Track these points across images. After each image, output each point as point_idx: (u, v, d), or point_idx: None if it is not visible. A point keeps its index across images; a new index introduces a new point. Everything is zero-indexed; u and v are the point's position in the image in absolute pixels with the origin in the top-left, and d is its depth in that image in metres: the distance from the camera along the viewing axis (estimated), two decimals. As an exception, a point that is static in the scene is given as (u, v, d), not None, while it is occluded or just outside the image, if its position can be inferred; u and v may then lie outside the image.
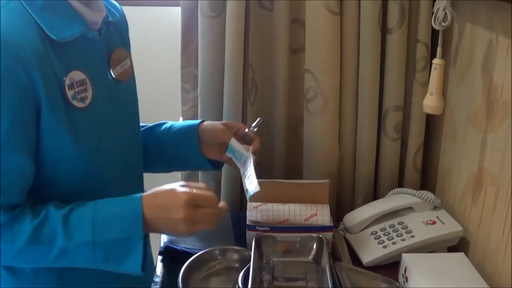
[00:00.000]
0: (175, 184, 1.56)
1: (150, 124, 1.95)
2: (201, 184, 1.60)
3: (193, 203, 1.52)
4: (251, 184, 1.73)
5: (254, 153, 1.82)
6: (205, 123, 1.90)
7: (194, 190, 1.55)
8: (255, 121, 1.89)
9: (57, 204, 1.50)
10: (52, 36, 1.43)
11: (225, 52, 2.11)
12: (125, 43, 1.78)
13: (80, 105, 1.49)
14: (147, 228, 1.51)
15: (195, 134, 1.88)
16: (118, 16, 1.72)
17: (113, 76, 1.64)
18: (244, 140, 1.86)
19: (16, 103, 1.38)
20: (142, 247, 1.50)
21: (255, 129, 1.87)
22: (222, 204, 1.59)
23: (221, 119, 2.18)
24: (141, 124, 1.89)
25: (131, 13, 3.39)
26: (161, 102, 3.61)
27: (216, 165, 1.96)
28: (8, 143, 1.39)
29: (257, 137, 1.87)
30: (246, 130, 1.86)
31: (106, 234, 1.48)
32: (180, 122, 1.95)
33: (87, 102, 1.52)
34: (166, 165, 1.96)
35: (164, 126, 1.94)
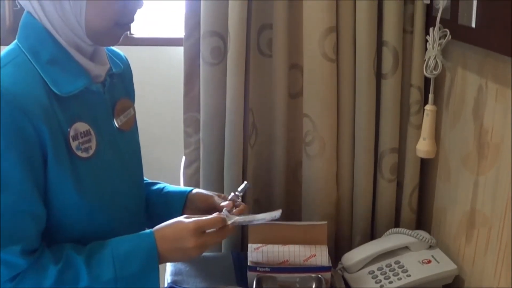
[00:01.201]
0: (180, 217, 1.63)
1: (148, 181, 1.99)
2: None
3: (200, 230, 1.60)
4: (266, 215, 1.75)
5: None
6: (196, 189, 1.94)
7: (200, 218, 1.62)
8: (241, 184, 1.89)
9: (74, 246, 1.54)
10: (57, 91, 1.49)
11: (226, 97, 2.16)
12: (129, 93, 1.83)
13: (84, 155, 1.55)
14: (161, 259, 1.58)
15: (183, 197, 1.91)
16: (122, 66, 1.76)
17: (117, 125, 1.69)
18: (235, 205, 1.82)
19: (24, 153, 1.43)
20: (158, 277, 1.57)
21: (241, 194, 1.85)
22: (230, 226, 1.66)
23: (222, 162, 2.23)
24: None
25: (136, 53, 3.45)
26: (164, 137, 3.66)
27: None
28: (23, 191, 1.44)
29: (242, 204, 1.84)
30: (232, 194, 1.84)
31: (126, 270, 1.53)
32: (171, 187, 1.98)
33: (91, 152, 1.57)
34: (148, 221, 1.95)
35: (158, 186, 1.98)
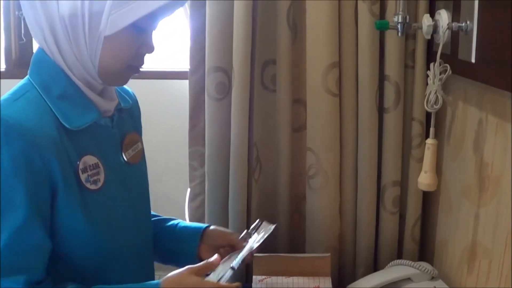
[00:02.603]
0: (191, 272, 1.64)
1: (162, 217, 2.01)
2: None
3: None
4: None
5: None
6: (214, 226, 1.96)
7: (213, 282, 1.64)
8: (254, 222, 1.92)
9: (77, 285, 1.56)
10: (67, 125, 1.52)
11: (231, 132, 2.19)
12: (137, 128, 1.86)
13: (93, 187, 1.58)
14: None
15: (198, 233, 1.93)
16: (130, 102, 1.81)
17: (125, 159, 1.72)
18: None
19: (32, 186, 1.46)
20: None
21: (254, 232, 1.88)
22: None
23: (227, 196, 2.25)
24: (153, 212, 1.95)
25: (141, 86, 3.48)
26: (169, 176, 3.67)
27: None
28: (30, 222, 1.47)
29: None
30: (244, 232, 1.87)
31: None
32: (190, 223, 2.01)
33: (100, 184, 1.60)
34: (160, 257, 1.98)
35: (172, 222, 2.00)
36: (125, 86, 1.85)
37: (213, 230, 1.94)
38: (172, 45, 3.80)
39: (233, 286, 1.65)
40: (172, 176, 3.42)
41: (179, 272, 1.62)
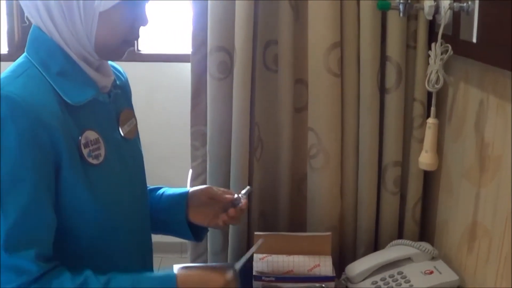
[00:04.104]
0: (209, 270, 1.74)
1: (150, 187, 2.01)
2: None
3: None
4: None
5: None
6: (192, 188, 1.98)
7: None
8: (245, 188, 1.93)
9: (93, 272, 1.56)
10: (68, 100, 1.54)
11: (232, 111, 2.20)
12: (130, 105, 1.88)
13: (95, 162, 1.59)
14: None
15: (184, 199, 1.94)
16: (123, 79, 1.84)
17: (122, 134, 1.73)
18: (233, 205, 1.88)
19: (39, 162, 1.47)
20: None
21: (244, 196, 1.88)
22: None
23: (228, 175, 2.26)
24: None
25: (143, 69, 3.49)
26: (170, 153, 3.68)
27: (198, 237, 2.02)
28: (38, 198, 1.48)
29: (245, 200, 1.90)
30: (236, 195, 1.88)
31: None
32: (173, 188, 2.02)
33: (101, 159, 1.62)
34: (153, 227, 1.98)
35: (157, 192, 2.01)
36: (115, 65, 1.86)
37: (194, 191, 1.95)
38: (174, 28, 3.82)
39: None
40: (174, 158, 3.43)
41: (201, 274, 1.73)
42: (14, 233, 1.47)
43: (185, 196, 1.95)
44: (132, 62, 3.06)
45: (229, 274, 1.72)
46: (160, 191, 2.01)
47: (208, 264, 1.70)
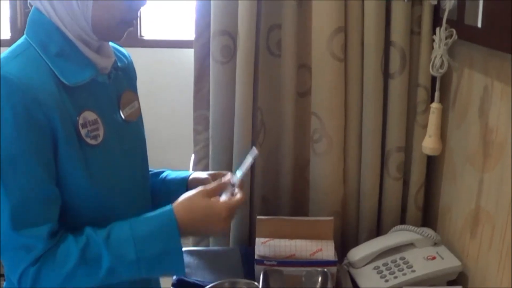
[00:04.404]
0: (202, 196, 1.66)
1: (153, 170, 2.01)
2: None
3: (232, 214, 1.65)
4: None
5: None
6: (193, 174, 1.96)
7: (230, 202, 1.66)
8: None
9: (93, 228, 1.57)
10: (65, 81, 1.53)
11: (235, 96, 2.19)
12: (133, 87, 1.86)
13: (93, 142, 1.58)
14: (183, 236, 1.60)
15: (184, 185, 1.93)
16: (126, 62, 1.82)
17: (123, 117, 1.73)
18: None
19: (37, 141, 1.47)
20: (181, 253, 1.59)
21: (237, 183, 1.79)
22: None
23: (231, 159, 2.26)
24: None
25: (146, 55, 3.48)
26: (173, 139, 3.67)
27: None
28: (39, 176, 1.48)
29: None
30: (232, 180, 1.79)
31: (147, 250, 1.56)
32: (174, 173, 2.00)
33: (99, 140, 1.60)
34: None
35: (160, 176, 2.00)
36: (121, 48, 1.86)
37: (193, 179, 1.93)
38: (177, 14, 3.80)
39: (240, 200, 1.68)
40: (177, 143, 3.42)
41: (192, 195, 1.66)
42: (20, 212, 1.47)
43: (185, 181, 1.94)
44: (135, 47, 3.05)
45: (226, 197, 1.70)
46: (163, 175, 2.01)
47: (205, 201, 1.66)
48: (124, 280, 1.59)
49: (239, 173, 1.76)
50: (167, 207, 1.64)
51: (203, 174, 1.94)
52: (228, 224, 1.67)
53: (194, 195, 1.66)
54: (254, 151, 1.80)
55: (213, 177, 1.90)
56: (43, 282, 1.51)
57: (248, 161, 1.78)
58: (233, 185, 1.73)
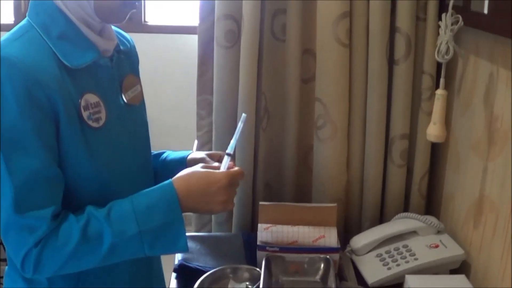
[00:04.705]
0: (200, 167, 1.67)
1: (154, 152, 2.01)
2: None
3: (232, 182, 1.64)
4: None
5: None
6: (190, 154, 1.96)
7: (230, 171, 1.66)
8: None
9: (94, 206, 1.57)
10: (67, 64, 1.53)
11: (239, 81, 2.18)
12: (135, 71, 1.86)
13: (95, 125, 1.58)
14: (184, 210, 1.60)
15: (183, 163, 1.93)
16: (129, 46, 1.82)
17: (125, 100, 1.72)
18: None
19: (39, 123, 1.47)
20: (183, 225, 1.59)
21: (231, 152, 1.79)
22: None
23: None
24: None
25: (150, 40, 3.48)
26: (177, 125, 3.67)
27: None
28: (42, 158, 1.48)
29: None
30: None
31: (149, 223, 1.55)
32: (174, 153, 2.01)
33: (101, 122, 1.61)
34: None
35: (161, 157, 2.01)
36: (123, 32, 1.86)
37: (191, 160, 1.93)
38: (182, 1, 3.80)
39: (237, 171, 1.68)
40: (180, 129, 3.42)
41: (190, 168, 1.67)
42: (24, 194, 1.47)
43: (184, 160, 1.94)
44: (139, 33, 3.04)
45: (225, 162, 1.72)
46: (163, 156, 2.01)
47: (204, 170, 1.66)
48: (126, 257, 1.59)
49: (233, 142, 1.76)
50: (167, 181, 1.64)
51: (200, 154, 1.94)
52: (229, 195, 1.65)
53: (192, 168, 1.67)
54: (244, 117, 1.80)
55: (210, 157, 1.91)
56: (46, 263, 1.52)
57: (239, 127, 1.78)
58: (228, 154, 1.73)
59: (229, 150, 1.74)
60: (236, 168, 1.69)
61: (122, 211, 1.57)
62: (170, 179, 1.63)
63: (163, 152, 2.02)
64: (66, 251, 1.51)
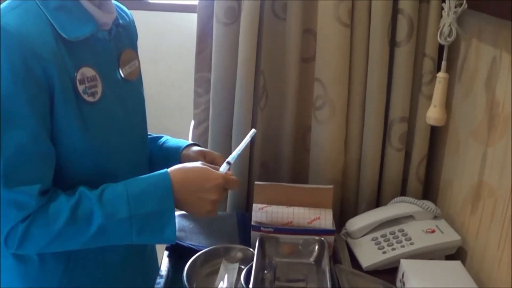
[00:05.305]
0: (200, 163, 1.68)
1: (153, 135, 2.01)
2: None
3: (225, 186, 1.65)
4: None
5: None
6: (184, 151, 1.94)
7: (227, 174, 1.69)
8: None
9: (87, 187, 1.56)
10: (64, 36, 1.51)
11: (238, 59, 2.15)
12: (134, 46, 1.85)
13: (90, 99, 1.57)
14: (177, 201, 1.60)
15: (177, 156, 1.93)
16: (128, 20, 1.81)
17: (122, 75, 1.71)
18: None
19: (34, 95, 1.45)
20: (174, 218, 1.59)
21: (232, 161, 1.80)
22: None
23: (231, 123, 2.23)
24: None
25: (149, 18, 3.45)
26: (175, 104, 3.65)
27: None
28: (35, 130, 1.47)
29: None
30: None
31: (141, 208, 1.55)
32: (172, 140, 2.01)
33: (97, 97, 1.59)
34: None
35: (159, 141, 2.01)
36: (123, 6, 1.84)
37: (184, 153, 1.93)
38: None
39: (234, 179, 1.70)
40: (178, 108, 3.40)
41: (189, 163, 1.69)
42: (13, 167, 1.46)
43: (180, 150, 1.94)
44: (140, 10, 3.01)
45: (223, 168, 1.73)
46: (162, 140, 2.00)
47: (200, 165, 1.66)
48: (113, 242, 1.58)
49: (235, 153, 1.78)
50: (163, 170, 1.63)
51: (195, 151, 1.93)
52: (220, 197, 1.66)
53: (192, 163, 1.68)
54: (253, 132, 1.83)
55: (203, 155, 1.91)
56: (31, 240, 1.51)
57: (246, 141, 1.81)
58: (228, 163, 1.75)
59: (230, 159, 1.76)
60: (235, 178, 1.70)
61: (115, 193, 1.56)
62: (166, 169, 1.63)
63: (161, 137, 2.01)
64: (53, 230, 1.50)
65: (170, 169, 1.64)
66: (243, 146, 1.80)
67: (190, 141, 2.00)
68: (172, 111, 3.62)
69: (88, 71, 1.57)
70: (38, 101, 1.46)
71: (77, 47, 1.55)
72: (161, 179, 1.61)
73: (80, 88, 1.54)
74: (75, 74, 1.53)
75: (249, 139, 1.81)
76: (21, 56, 1.42)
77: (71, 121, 1.53)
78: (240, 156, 1.83)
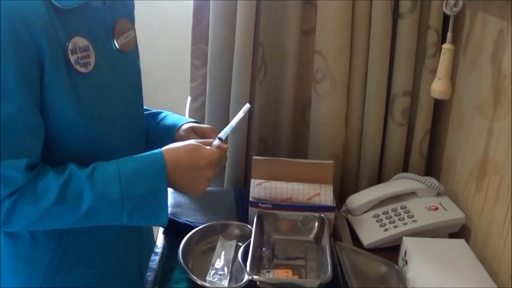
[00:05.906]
0: (193, 142, 1.66)
1: (152, 110, 1.99)
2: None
3: (219, 162, 1.65)
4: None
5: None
6: (181, 129, 1.90)
7: (218, 150, 1.68)
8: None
9: (77, 165, 1.52)
10: (56, 3, 1.46)
11: (236, 30, 2.11)
12: (130, 16, 1.80)
13: (83, 70, 1.52)
14: (169, 182, 1.57)
15: (171, 135, 1.90)
16: None
17: (117, 46, 1.66)
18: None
19: (22, 64, 1.40)
20: (166, 200, 1.56)
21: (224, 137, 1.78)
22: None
23: (229, 97, 2.19)
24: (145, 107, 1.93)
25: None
26: (172, 79, 3.61)
27: None
28: (23, 103, 1.42)
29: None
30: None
31: (133, 189, 1.52)
32: (169, 118, 1.98)
33: (90, 68, 1.55)
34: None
35: (158, 116, 1.98)
36: None
37: (180, 132, 1.90)
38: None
39: (225, 146, 1.72)
40: (175, 83, 3.37)
41: (182, 142, 1.66)
42: (0, 140, 1.41)
43: (173, 132, 1.91)
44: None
45: (215, 144, 1.71)
46: (160, 116, 1.98)
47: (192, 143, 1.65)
48: (102, 222, 1.55)
49: (227, 128, 1.75)
50: (157, 150, 1.61)
51: (184, 131, 1.90)
52: (214, 173, 1.65)
53: (184, 142, 1.66)
54: (247, 107, 1.78)
55: (196, 130, 1.88)
56: (17, 216, 1.47)
57: (240, 116, 1.77)
58: (220, 139, 1.73)
59: (222, 135, 1.73)
60: (224, 146, 1.71)
61: (106, 173, 1.52)
62: (160, 149, 1.60)
63: (160, 113, 1.99)
64: (40, 208, 1.47)
65: (164, 149, 1.61)
66: (236, 121, 1.77)
67: (187, 118, 1.96)
68: (168, 85, 3.59)
69: (80, 41, 1.52)
70: (27, 71, 1.42)
71: (69, 16, 1.50)
72: (155, 160, 1.58)
73: (72, 58, 1.49)
74: (67, 43, 1.48)
75: (243, 114, 1.77)
76: (9, 23, 1.37)
77: (62, 92, 1.48)
78: (237, 130, 1.80)
